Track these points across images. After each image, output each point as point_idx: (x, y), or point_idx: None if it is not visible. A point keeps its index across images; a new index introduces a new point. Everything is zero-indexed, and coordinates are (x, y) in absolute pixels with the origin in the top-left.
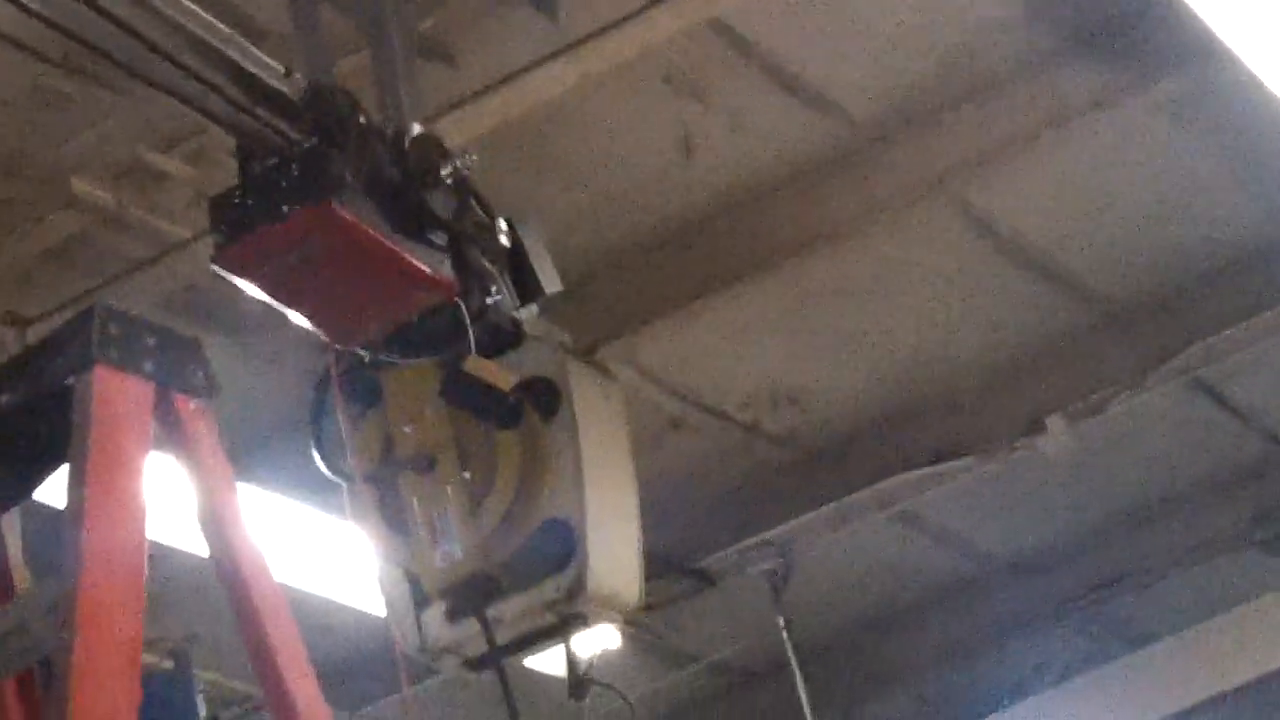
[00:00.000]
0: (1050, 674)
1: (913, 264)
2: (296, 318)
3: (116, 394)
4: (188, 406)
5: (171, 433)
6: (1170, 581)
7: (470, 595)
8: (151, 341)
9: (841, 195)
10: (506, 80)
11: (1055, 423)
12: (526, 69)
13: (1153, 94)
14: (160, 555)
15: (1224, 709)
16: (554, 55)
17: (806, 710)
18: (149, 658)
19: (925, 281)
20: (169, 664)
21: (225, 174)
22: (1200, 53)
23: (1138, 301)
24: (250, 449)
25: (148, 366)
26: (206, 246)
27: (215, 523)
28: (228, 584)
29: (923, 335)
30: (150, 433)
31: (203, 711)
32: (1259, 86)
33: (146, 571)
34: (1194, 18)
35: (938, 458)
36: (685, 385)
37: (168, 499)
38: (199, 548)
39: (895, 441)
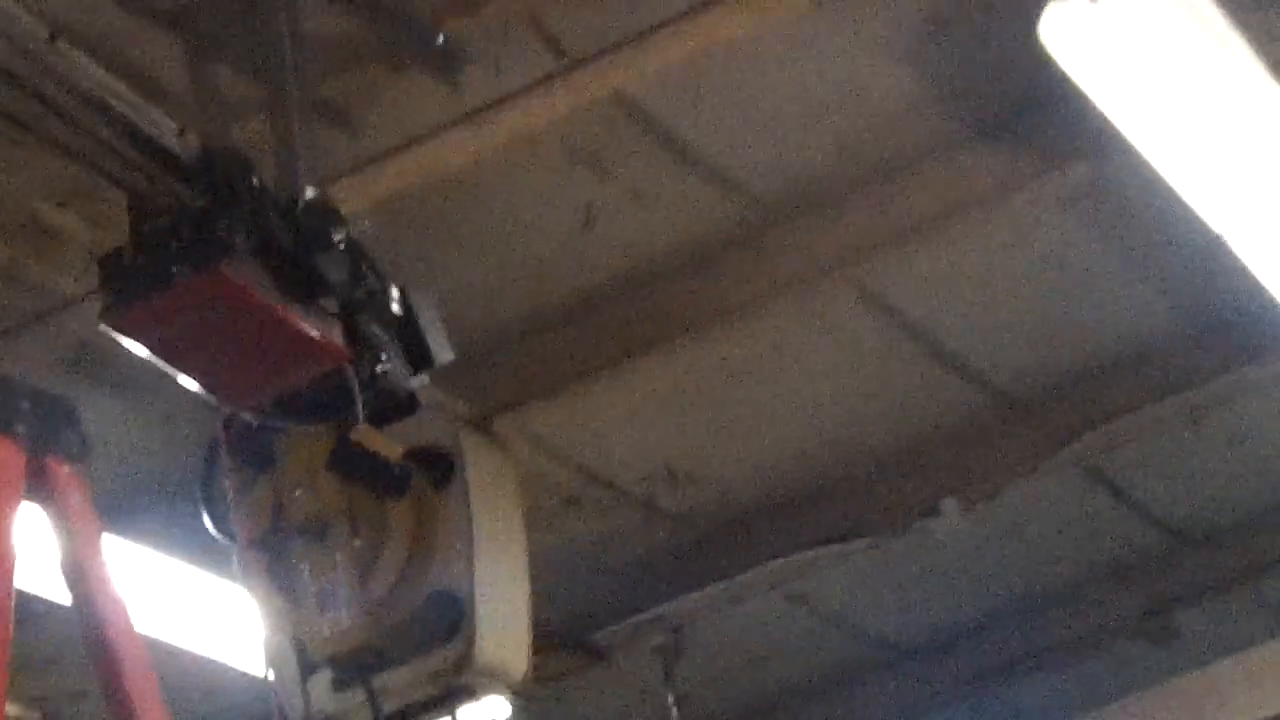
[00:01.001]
0: None
1: (811, 345)
2: (186, 380)
3: None
4: (61, 470)
5: (42, 494)
6: (1060, 669)
7: (357, 664)
8: (25, 404)
9: (741, 274)
10: (405, 147)
11: (949, 506)
12: (426, 137)
13: (1054, 184)
14: (47, 614)
15: None
16: (454, 124)
17: None
18: (24, 713)
19: (823, 363)
20: None
21: (122, 234)
22: (1100, 145)
23: (1035, 389)
24: (139, 507)
25: (20, 429)
26: (97, 304)
27: (78, 577)
28: (88, 637)
29: (820, 416)
30: (20, 494)
31: None
32: (1157, 179)
33: (11, 625)
34: (1094, 110)
35: (832, 538)
36: (582, 460)
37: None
38: None
39: (790, 521)
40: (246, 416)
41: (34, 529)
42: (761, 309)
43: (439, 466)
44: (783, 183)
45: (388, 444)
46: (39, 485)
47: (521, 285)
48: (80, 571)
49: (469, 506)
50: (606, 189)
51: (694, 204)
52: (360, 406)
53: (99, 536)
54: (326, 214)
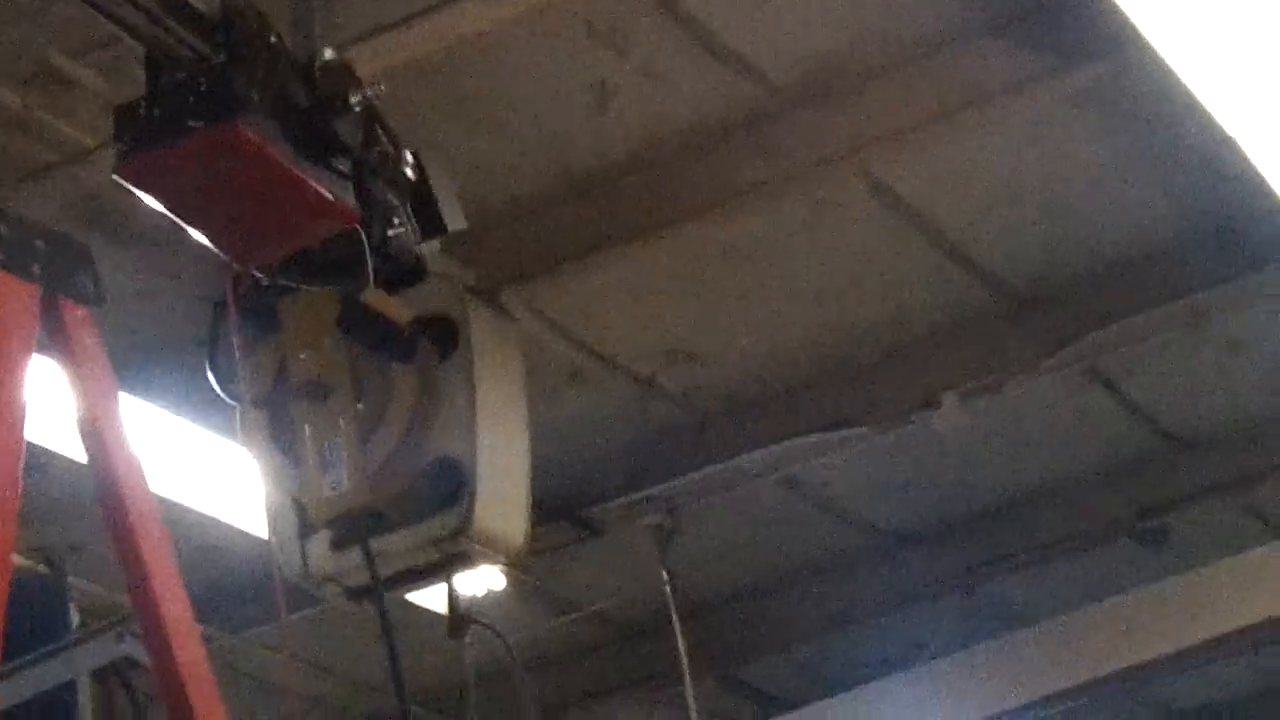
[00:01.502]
0: (928, 650)
1: (819, 233)
2: (196, 234)
3: (1, 295)
4: (75, 313)
5: (56, 339)
6: (1051, 566)
7: (355, 526)
8: (41, 245)
9: (752, 158)
10: (422, 14)
11: (950, 400)
12: (444, 3)
13: (1068, 82)
14: (49, 464)
15: (1092, 695)
16: None
17: (685, 666)
18: (25, 562)
19: (830, 251)
20: (45, 570)
21: (136, 88)
22: (1116, 42)
23: (1040, 288)
24: (144, 363)
25: (35, 269)
26: (111, 156)
27: (94, 432)
28: (103, 494)
29: (824, 304)
30: (34, 337)
31: (75, 619)
32: (1171, 79)
33: (20, 475)
34: (1110, 6)
35: (831, 426)
36: (585, 336)
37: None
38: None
39: (789, 407)
40: (256, 274)
41: (37, 375)
42: (770, 194)
43: (444, 335)
44: (797, 68)
45: (397, 308)
46: (52, 326)
47: (532, 160)
48: (94, 421)
49: (473, 375)
50: (622, 67)
51: (708, 86)
52: (371, 269)
53: (113, 383)
54: (342, 75)
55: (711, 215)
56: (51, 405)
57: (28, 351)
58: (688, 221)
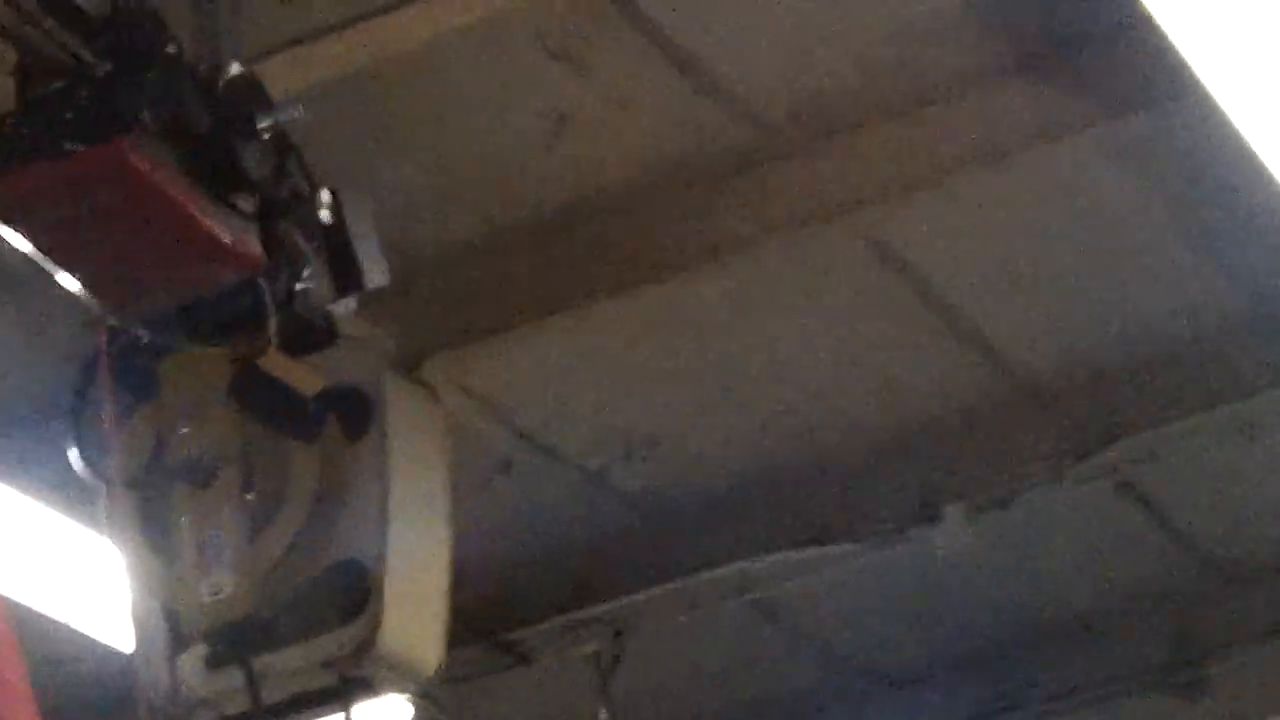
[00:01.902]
0: None
1: (806, 299)
2: (66, 279)
3: None
4: None
5: None
6: (1069, 719)
7: (238, 640)
8: None
9: (731, 206)
10: (351, 22)
11: (953, 512)
12: (376, 11)
13: (1106, 131)
14: None
15: None
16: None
17: None
18: None
19: (818, 322)
20: None
21: (3, 98)
22: (1167, 88)
23: (1065, 379)
24: None
25: None
26: None
27: None
28: None
29: (809, 385)
30: None
31: None
32: (1231, 134)
33: None
34: (1163, 46)
35: (811, 539)
36: (523, 418)
37: None
38: None
39: (764, 513)
40: (135, 328)
41: None
42: (751, 251)
43: (355, 412)
44: (791, 104)
45: (303, 375)
46: None
47: (472, 199)
48: None
49: (387, 462)
50: (584, 91)
51: (685, 119)
52: (272, 328)
53: None
54: (252, 94)
55: (681, 275)
56: None
57: None
58: (652, 282)
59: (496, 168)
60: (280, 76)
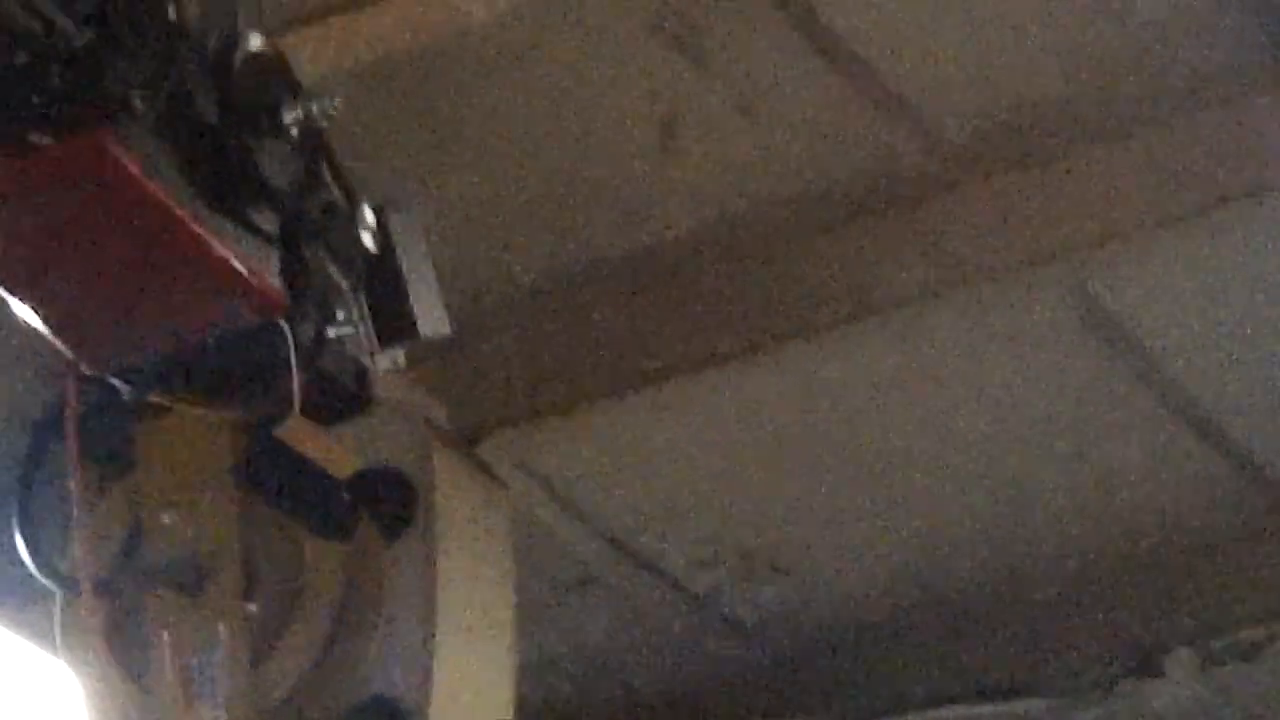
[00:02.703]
0: None
1: (987, 371)
2: (23, 310)
3: None
4: None
5: None
6: None
7: None
8: None
9: (891, 246)
10: None
11: (1178, 661)
12: None
13: None
14: None
15: None
16: None
17: None
18: None
19: (1003, 401)
20: None
21: None
22: None
23: None
24: None
25: None
26: None
27: None
28: None
29: (989, 486)
30: None
31: None
32: None
33: None
34: None
35: (990, 692)
36: (611, 518)
37: None
38: None
39: (922, 655)
40: (111, 380)
41: None
42: (916, 304)
43: (394, 501)
44: (978, 121)
45: (333, 452)
46: None
47: (550, 228)
48: None
49: (433, 570)
50: (701, 89)
51: (837, 132)
52: (296, 387)
53: None
54: (276, 77)
55: (824, 336)
56: None
57: None
58: (781, 339)
59: (583, 186)
60: (308, 57)
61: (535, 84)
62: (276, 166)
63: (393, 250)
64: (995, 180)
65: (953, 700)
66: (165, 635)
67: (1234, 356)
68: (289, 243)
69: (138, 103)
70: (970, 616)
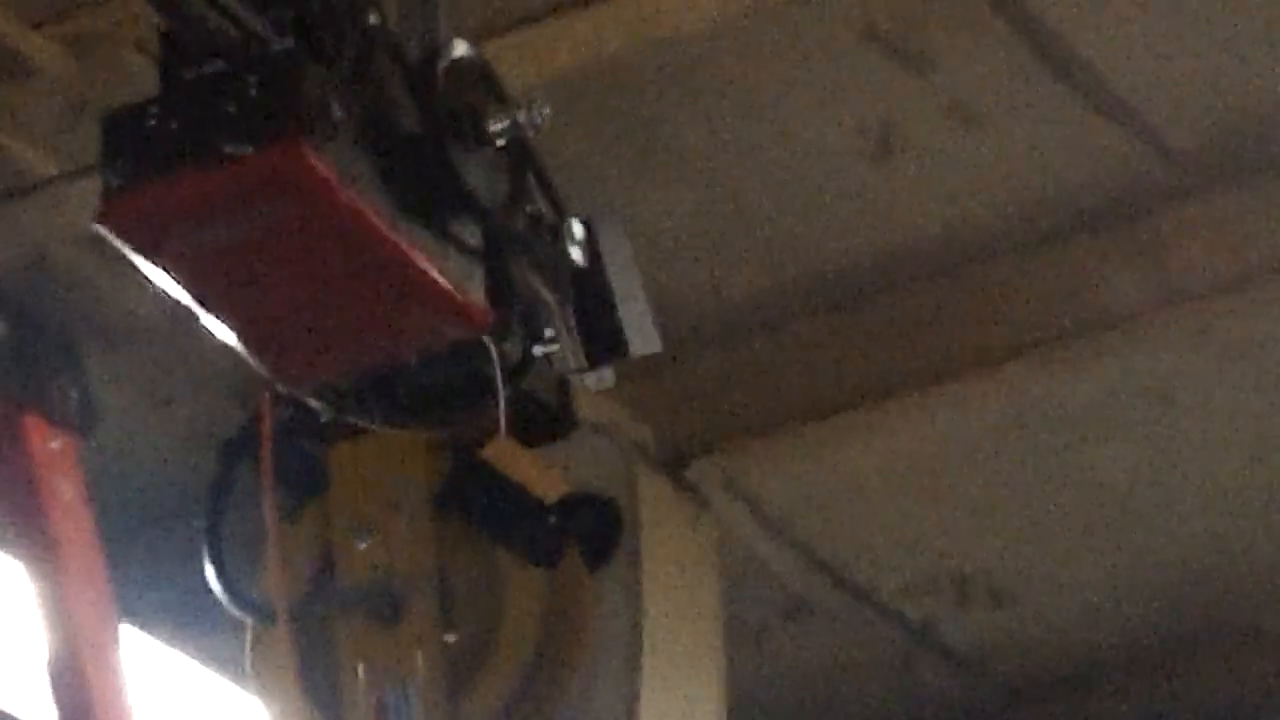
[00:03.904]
0: None
1: (1226, 392)
2: (217, 327)
3: None
4: (46, 443)
5: (13, 481)
6: None
7: None
8: (1, 327)
9: (1126, 258)
10: None
11: None
12: None
13: None
14: None
15: None
16: None
17: None
18: None
19: (1244, 427)
20: None
21: (125, 81)
22: None
23: None
24: (117, 543)
25: None
26: (82, 190)
27: (73, 669)
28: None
29: (1231, 516)
30: None
31: None
32: None
33: None
34: None
35: None
36: (823, 545)
37: None
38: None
39: (1153, 693)
40: (309, 401)
41: None
42: (1140, 318)
43: (598, 528)
44: (1208, 125)
45: (542, 475)
46: (6, 458)
47: (760, 244)
48: (74, 647)
49: (640, 599)
50: (919, 97)
51: (1057, 138)
52: (504, 408)
53: (104, 582)
54: (482, 86)
55: (1050, 357)
56: None
57: None
58: (1003, 362)
59: (795, 200)
60: (506, 67)
61: (746, 95)
62: (481, 178)
63: (601, 265)
64: (1223, 189)
65: None
66: (359, 666)
67: None
68: (494, 257)
69: (337, 111)
70: (1200, 647)
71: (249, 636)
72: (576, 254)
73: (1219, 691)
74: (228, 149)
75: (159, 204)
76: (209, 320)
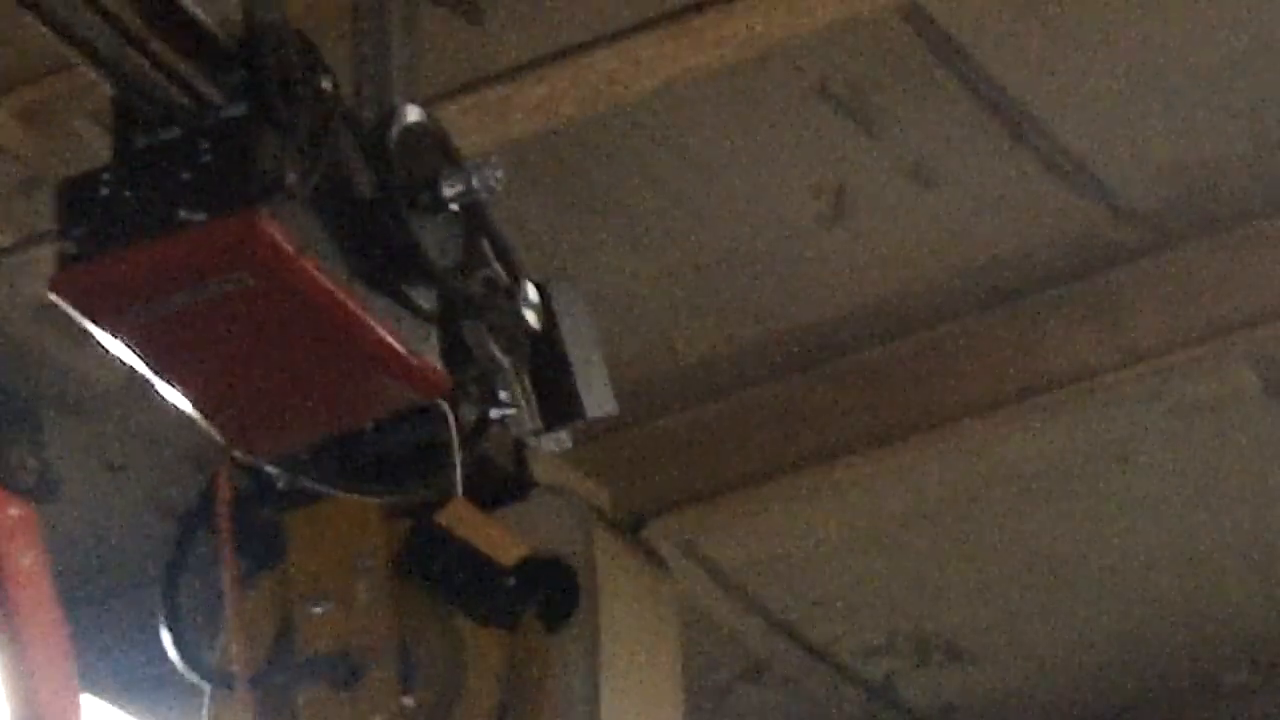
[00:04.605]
0: None
1: (1179, 455)
2: (173, 395)
3: None
4: (5, 511)
5: None
6: None
7: None
8: None
9: (1080, 318)
10: (558, 59)
11: None
12: (593, 45)
13: None
14: None
15: None
16: (644, 27)
17: None
18: None
19: (1198, 488)
20: None
21: (78, 150)
22: None
23: None
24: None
25: None
26: (35, 259)
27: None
28: None
29: (1178, 573)
30: None
31: None
32: None
33: None
34: None
35: None
36: (781, 605)
37: None
38: None
39: None
40: (265, 467)
41: None
42: (1102, 385)
43: (556, 591)
44: (1163, 183)
45: (500, 538)
46: None
47: (715, 305)
48: (21, 680)
49: (597, 661)
50: (872, 156)
51: (1011, 198)
52: (459, 471)
53: (59, 624)
54: (435, 148)
55: (1000, 418)
56: None
57: None
58: (963, 418)
59: (750, 263)
60: (459, 130)
61: (697, 154)
62: (436, 242)
63: (556, 328)
64: (1179, 247)
65: None
66: None
67: None
68: (449, 321)
69: (292, 178)
70: (1160, 704)
71: (208, 703)
72: (532, 317)
73: None
74: (182, 216)
75: (113, 272)
76: (165, 388)
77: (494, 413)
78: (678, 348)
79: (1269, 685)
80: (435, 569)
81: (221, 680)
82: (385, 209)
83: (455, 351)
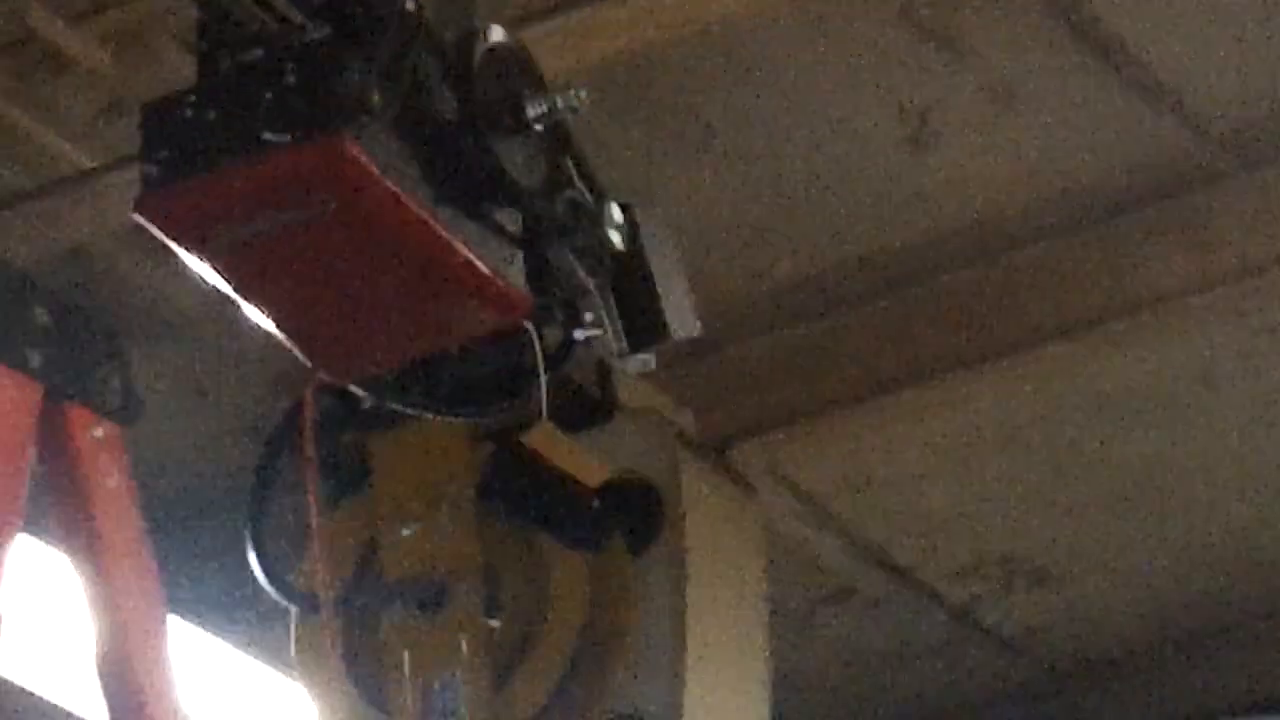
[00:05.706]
0: None
1: (1260, 366)
2: (259, 318)
3: None
4: (89, 432)
5: (60, 474)
6: None
7: None
8: (44, 317)
9: (1165, 239)
10: None
11: None
12: None
13: None
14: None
15: None
16: None
17: None
18: None
19: (1277, 400)
20: None
21: (162, 73)
22: None
23: None
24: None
25: (34, 359)
26: (120, 183)
27: (119, 658)
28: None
29: (1261, 495)
30: (27, 460)
31: None
32: None
33: None
34: None
35: (1261, 707)
36: (867, 529)
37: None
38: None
39: (1191, 671)
40: (349, 392)
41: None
42: (1180, 299)
43: (640, 514)
44: (1243, 107)
45: (585, 461)
46: (56, 450)
47: (799, 229)
48: (123, 639)
49: (682, 584)
50: (956, 81)
51: (1095, 121)
52: (545, 394)
53: (152, 573)
54: (519, 71)
55: (1089, 340)
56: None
57: (21, 481)
58: (1044, 345)
59: (834, 186)
60: (543, 55)
61: (783, 80)
62: (520, 164)
63: (641, 249)
64: (1263, 171)
65: (1226, 715)
66: (404, 654)
67: None
68: (534, 243)
69: (376, 100)
70: (1245, 629)
71: (293, 625)
72: (616, 238)
73: (1265, 673)
74: (267, 138)
75: (198, 195)
76: (250, 311)
77: (578, 334)
78: (762, 271)
79: None
80: (520, 492)
81: (306, 603)
82: (468, 131)
83: (540, 274)
